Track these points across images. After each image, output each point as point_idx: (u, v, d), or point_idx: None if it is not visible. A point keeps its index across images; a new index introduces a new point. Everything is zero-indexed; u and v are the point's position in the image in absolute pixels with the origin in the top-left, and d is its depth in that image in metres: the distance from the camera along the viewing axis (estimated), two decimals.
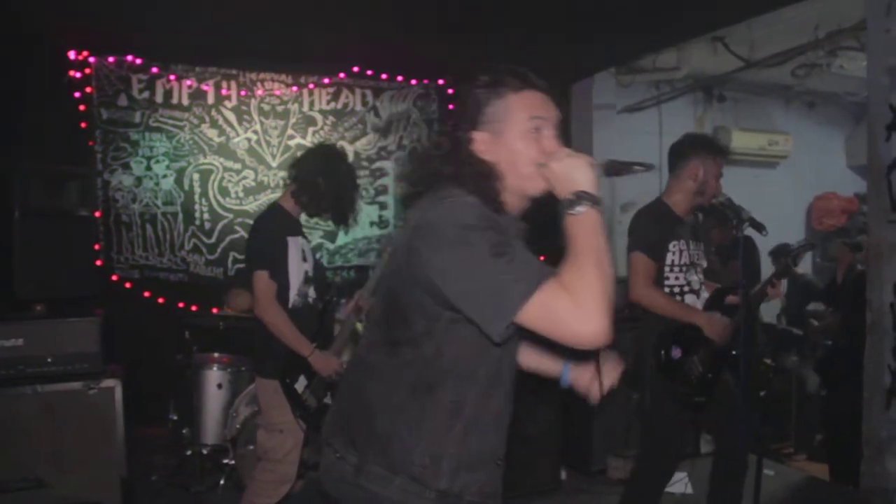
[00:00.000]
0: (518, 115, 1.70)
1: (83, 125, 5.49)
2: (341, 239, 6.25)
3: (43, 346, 3.53)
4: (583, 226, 1.56)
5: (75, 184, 4.28)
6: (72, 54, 5.43)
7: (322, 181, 3.24)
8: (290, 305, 3.19)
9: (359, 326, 4.69)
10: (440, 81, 6.54)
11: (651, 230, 3.35)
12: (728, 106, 7.52)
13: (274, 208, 3.35)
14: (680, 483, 4.43)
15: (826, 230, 7.54)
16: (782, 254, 3.76)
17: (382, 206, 6.49)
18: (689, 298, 3.37)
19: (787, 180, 7.78)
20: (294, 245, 3.23)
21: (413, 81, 6.49)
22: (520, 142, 1.70)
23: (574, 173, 1.61)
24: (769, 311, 6.74)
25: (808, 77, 6.70)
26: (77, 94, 5.46)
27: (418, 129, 6.54)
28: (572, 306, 1.45)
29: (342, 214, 3.37)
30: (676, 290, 3.35)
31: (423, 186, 1.74)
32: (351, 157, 6.16)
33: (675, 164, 3.42)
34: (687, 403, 3.28)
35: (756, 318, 4.89)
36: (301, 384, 3.18)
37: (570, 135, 6.84)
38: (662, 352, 3.24)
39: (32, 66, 5.23)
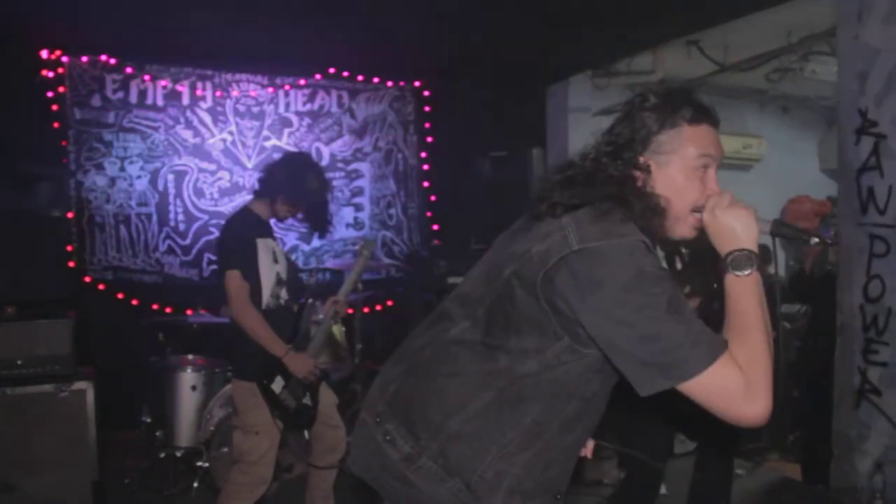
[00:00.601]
0: (688, 149, 1.61)
1: (56, 125, 5.44)
2: (317, 241, 6.23)
3: (13, 348, 3.53)
4: (747, 289, 1.51)
5: (47, 184, 4.27)
6: (44, 53, 5.38)
7: (294, 193, 3.27)
8: (262, 307, 3.19)
9: (335, 329, 4.70)
10: (416, 83, 6.54)
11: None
12: None
13: (244, 211, 3.37)
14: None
15: None
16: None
17: (358, 208, 6.48)
18: None
19: (761, 183, 7.86)
20: (264, 247, 3.24)
21: (389, 83, 6.49)
22: (683, 178, 1.61)
23: (739, 227, 1.55)
24: None
25: (782, 81, 6.79)
26: (50, 94, 5.41)
27: (394, 131, 6.54)
28: (743, 385, 1.39)
29: (318, 224, 3.39)
30: None
31: (580, 200, 1.57)
32: (326, 159, 6.23)
33: None
34: (663, 409, 3.29)
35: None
36: (278, 385, 3.17)
37: (546, 137, 6.89)
38: None
39: (4, 65, 5.16)
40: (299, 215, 3.39)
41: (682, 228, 1.64)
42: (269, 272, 3.24)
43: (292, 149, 6.00)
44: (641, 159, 1.61)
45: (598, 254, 1.46)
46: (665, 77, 6.71)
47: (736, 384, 1.39)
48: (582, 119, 6.78)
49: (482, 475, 1.56)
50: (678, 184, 1.61)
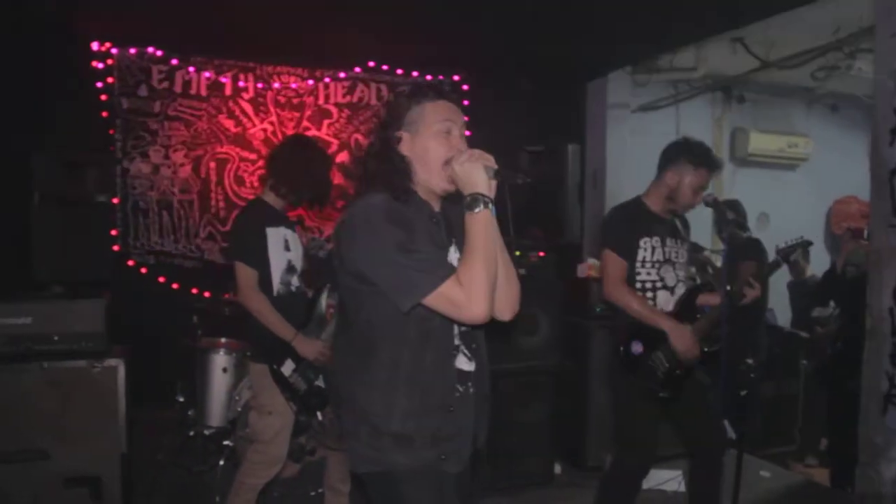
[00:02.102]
0: (431, 118, 2.06)
1: (104, 114, 5.63)
2: None
3: (50, 324, 3.68)
4: (477, 224, 1.94)
5: (94, 170, 4.42)
6: (95, 45, 5.58)
7: (297, 171, 3.36)
8: (273, 294, 3.30)
9: None
10: (455, 77, 6.57)
11: (620, 228, 3.39)
12: (748, 107, 7.46)
13: (254, 202, 3.50)
14: (673, 481, 4.46)
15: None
16: (778, 252, 3.67)
17: None
18: (662, 294, 3.37)
19: (807, 183, 7.70)
20: (275, 235, 3.34)
21: (428, 77, 6.52)
22: (432, 140, 2.05)
23: (473, 175, 1.95)
24: (783, 314, 6.71)
25: (829, 79, 6.64)
26: (99, 84, 5.61)
27: None
28: (464, 298, 1.89)
29: (320, 197, 3.48)
30: (648, 285, 3.35)
31: (355, 189, 2.12)
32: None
33: (660, 165, 3.43)
34: (652, 399, 3.29)
35: (753, 318, 4.84)
36: (288, 367, 3.27)
37: (585, 133, 6.86)
38: (621, 348, 3.27)
39: (57, 57, 5.37)
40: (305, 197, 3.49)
41: (438, 181, 2.06)
42: (279, 260, 3.34)
43: (328, 139, 6.15)
44: (397, 133, 2.06)
45: (350, 218, 2.00)
46: (707, 73, 6.64)
47: (459, 298, 1.89)
48: (621, 115, 6.74)
49: (377, 414, 2.02)
50: (428, 146, 2.05)
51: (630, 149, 6.56)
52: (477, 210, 1.93)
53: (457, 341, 2.10)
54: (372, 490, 2.09)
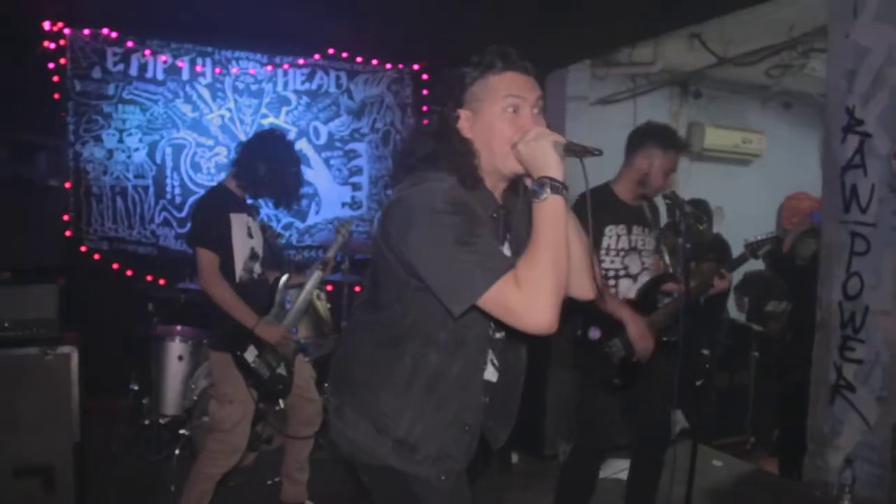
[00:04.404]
0: (496, 94, 1.77)
1: (56, 96, 5.48)
2: (311, 219, 6.32)
3: (0, 310, 3.58)
4: (546, 214, 1.65)
5: (45, 154, 4.31)
6: (46, 25, 5.41)
7: (262, 165, 3.32)
8: (235, 280, 3.27)
9: (319, 305, 4.77)
10: (415, 66, 6.56)
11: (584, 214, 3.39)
12: (704, 103, 7.59)
13: (217, 187, 3.45)
14: (627, 471, 4.52)
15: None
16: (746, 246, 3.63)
17: (356, 188, 6.52)
18: (624, 283, 3.38)
19: (761, 178, 7.87)
20: (238, 221, 3.31)
21: (388, 66, 6.52)
22: (496, 120, 1.76)
23: (539, 156, 1.67)
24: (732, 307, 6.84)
25: (783, 77, 6.79)
26: (51, 65, 5.45)
27: (392, 113, 6.57)
28: (523, 301, 1.57)
29: (284, 198, 3.45)
30: (612, 273, 3.35)
31: (405, 168, 1.85)
32: (325, 138, 6.28)
33: (627, 151, 3.41)
34: (604, 385, 3.30)
35: (711, 310, 4.89)
36: (251, 354, 3.25)
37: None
38: (579, 332, 3.28)
39: (6, 36, 5.21)
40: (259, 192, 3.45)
41: (505, 164, 1.79)
42: (242, 247, 3.31)
43: (287, 126, 6.10)
44: (457, 112, 1.79)
45: (406, 199, 1.72)
46: (665, 68, 6.72)
47: (518, 301, 1.58)
48: (580, 107, 6.79)
49: (383, 412, 1.81)
50: (493, 126, 1.77)
51: (588, 141, 6.59)
52: (545, 196, 1.64)
53: (490, 353, 1.90)
54: (369, 478, 1.91)
